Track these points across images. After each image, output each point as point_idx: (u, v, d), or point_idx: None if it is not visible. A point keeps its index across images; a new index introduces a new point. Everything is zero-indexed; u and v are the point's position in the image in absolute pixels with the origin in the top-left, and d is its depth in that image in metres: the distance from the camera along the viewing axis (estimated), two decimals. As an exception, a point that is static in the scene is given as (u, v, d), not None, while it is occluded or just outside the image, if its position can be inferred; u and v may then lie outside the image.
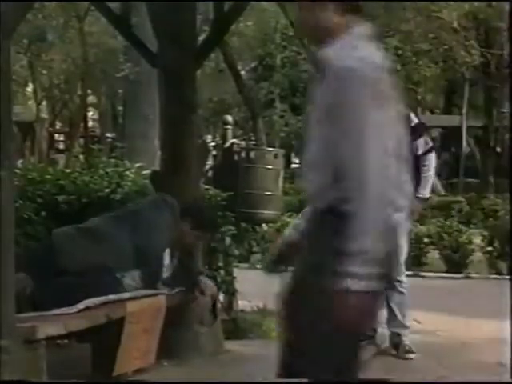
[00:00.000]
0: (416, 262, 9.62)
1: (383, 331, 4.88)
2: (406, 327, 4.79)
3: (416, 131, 4.75)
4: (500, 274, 9.48)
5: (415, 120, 4.80)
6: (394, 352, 4.75)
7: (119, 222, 3.82)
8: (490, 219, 11.34)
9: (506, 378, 4.00)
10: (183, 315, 4.31)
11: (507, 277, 8.81)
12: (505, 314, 5.45)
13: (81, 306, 3.52)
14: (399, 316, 4.75)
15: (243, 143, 6.79)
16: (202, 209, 4.31)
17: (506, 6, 14.83)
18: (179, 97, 4.58)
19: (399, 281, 4.74)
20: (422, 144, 4.76)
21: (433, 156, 4.82)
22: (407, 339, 4.75)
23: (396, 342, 4.76)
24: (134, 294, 3.80)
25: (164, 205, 4.01)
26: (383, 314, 4.86)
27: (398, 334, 4.76)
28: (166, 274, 3.98)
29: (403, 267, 4.80)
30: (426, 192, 4.78)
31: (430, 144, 4.81)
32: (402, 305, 4.77)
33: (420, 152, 4.74)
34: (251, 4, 5.74)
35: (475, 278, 9.25)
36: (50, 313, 3.46)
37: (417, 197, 4.74)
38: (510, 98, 16.78)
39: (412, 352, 4.69)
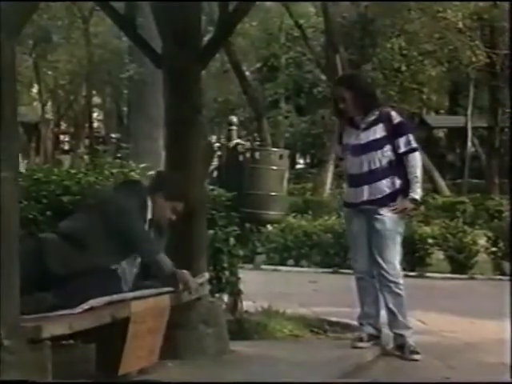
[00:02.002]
0: (420, 263, 9.62)
1: (388, 332, 4.87)
2: (408, 328, 4.78)
3: (397, 129, 4.76)
4: (504, 274, 9.47)
5: (398, 118, 4.79)
6: (398, 353, 4.74)
7: (92, 219, 3.80)
8: (495, 220, 11.33)
9: (506, 378, 3.99)
10: (188, 315, 4.32)
11: (508, 277, 8.84)
12: (506, 314, 5.45)
13: (85, 305, 3.52)
14: (400, 317, 4.75)
15: (248, 143, 6.77)
16: (176, 179, 4.28)
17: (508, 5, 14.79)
18: (184, 97, 4.59)
19: (395, 282, 4.75)
20: (403, 142, 4.72)
21: (416, 156, 4.75)
22: (411, 340, 4.75)
23: (400, 343, 4.76)
24: (139, 293, 3.81)
25: (129, 188, 4.01)
26: (384, 316, 4.87)
27: (402, 335, 4.76)
28: None
29: (399, 269, 4.80)
30: (415, 194, 4.72)
31: (413, 144, 4.74)
32: (400, 306, 4.76)
33: (401, 150, 4.72)
34: (256, 4, 5.74)
35: (480, 279, 9.24)
36: (55, 313, 3.46)
37: (408, 198, 4.73)
38: (511, 99, 16.73)
39: (417, 353, 4.68)
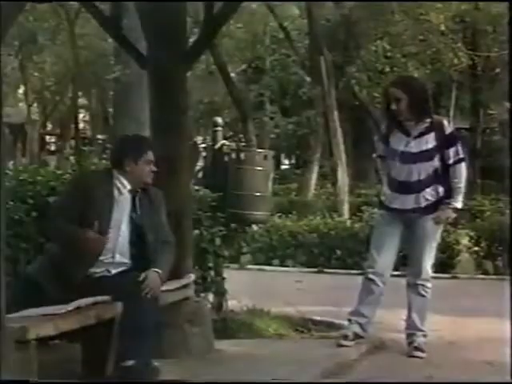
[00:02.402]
0: (403, 263, 9.68)
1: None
2: (422, 330, 4.85)
3: (449, 140, 4.75)
4: (486, 273, 9.60)
5: (449, 129, 4.78)
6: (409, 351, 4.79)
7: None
8: (477, 220, 11.42)
9: (506, 378, 4.02)
10: (173, 315, 4.34)
11: (491, 277, 8.95)
12: (488, 312, 5.52)
13: (71, 306, 3.54)
14: (418, 318, 4.82)
15: (233, 144, 6.82)
16: (131, 139, 4.18)
17: (493, 8, 14.93)
18: (170, 98, 4.62)
19: (423, 285, 4.82)
20: (453, 152, 4.73)
21: (463, 166, 4.76)
22: (421, 339, 4.81)
23: (410, 341, 4.85)
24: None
25: (85, 179, 4.08)
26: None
27: (413, 334, 4.85)
28: None
29: (430, 272, 4.84)
30: (456, 202, 4.76)
31: (461, 154, 4.76)
32: (422, 308, 4.84)
33: (451, 161, 4.75)
34: (241, 6, 5.79)
35: (462, 279, 9.32)
36: (41, 312, 3.48)
37: (448, 206, 4.77)
38: (510, 98, 16.76)
39: (421, 350, 4.76)
